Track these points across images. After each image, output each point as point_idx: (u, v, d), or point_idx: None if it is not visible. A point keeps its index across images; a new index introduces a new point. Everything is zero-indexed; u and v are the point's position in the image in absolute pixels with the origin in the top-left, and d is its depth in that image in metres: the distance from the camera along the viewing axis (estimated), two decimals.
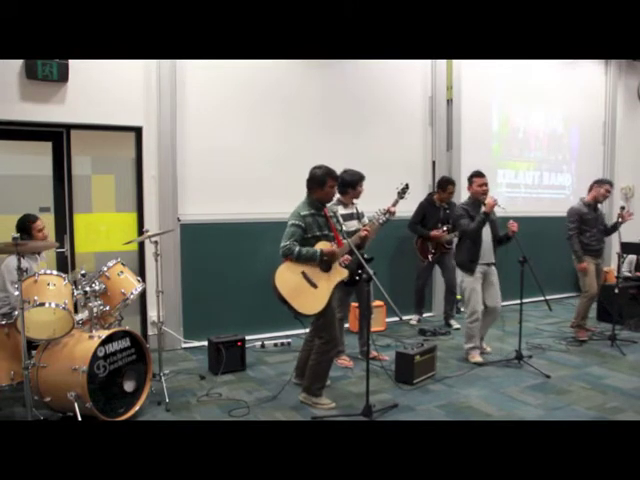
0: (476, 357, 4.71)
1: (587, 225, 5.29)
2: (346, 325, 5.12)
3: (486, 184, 4.69)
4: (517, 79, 7.25)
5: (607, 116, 8.27)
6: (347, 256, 3.70)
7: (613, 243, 7.12)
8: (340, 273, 3.67)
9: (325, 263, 3.59)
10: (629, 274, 7.16)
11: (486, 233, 4.64)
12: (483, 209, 4.53)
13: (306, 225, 3.58)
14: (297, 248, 3.49)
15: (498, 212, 4.80)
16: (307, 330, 3.94)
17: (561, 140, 7.91)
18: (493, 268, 4.75)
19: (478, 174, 4.75)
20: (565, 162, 8.02)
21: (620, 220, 5.26)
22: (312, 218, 3.64)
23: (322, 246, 3.61)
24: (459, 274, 4.85)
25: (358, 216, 4.57)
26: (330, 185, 3.67)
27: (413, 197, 6.28)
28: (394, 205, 4.18)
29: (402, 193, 4.22)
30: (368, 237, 3.92)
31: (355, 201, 4.62)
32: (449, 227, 5.83)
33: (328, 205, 3.86)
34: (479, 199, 4.64)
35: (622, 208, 5.39)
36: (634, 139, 8.58)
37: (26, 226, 3.78)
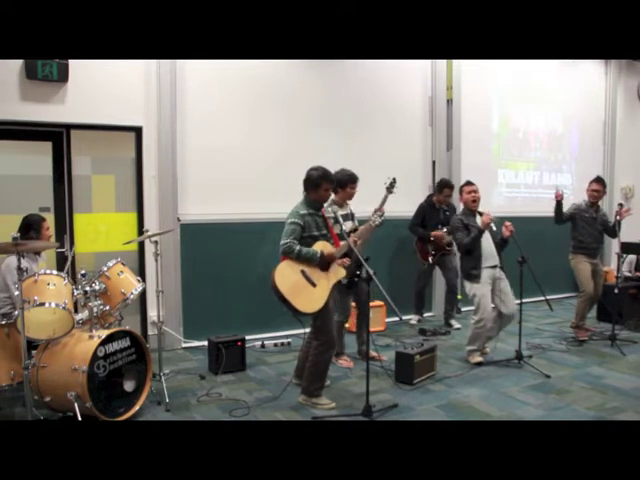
0: (476, 358, 4.68)
1: (584, 221, 5.36)
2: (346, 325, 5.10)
3: (475, 191, 4.72)
4: (517, 79, 7.25)
5: (607, 116, 8.27)
6: (345, 259, 3.68)
7: (613, 243, 7.12)
8: (338, 273, 3.68)
9: (324, 263, 3.59)
10: (629, 274, 7.17)
11: (486, 237, 4.61)
12: (479, 223, 4.58)
13: (305, 224, 3.58)
14: (297, 247, 3.49)
15: (494, 213, 4.84)
16: (307, 330, 3.94)
17: (561, 140, 7.91)
18: (500, 271, 4.65)
19: (466, 183, 4.82)
20: (565, 162, 8.02)
21: (618, 218, 5.28)
22: (311, 218, 3.64)
23: (321, 246, 3.61)
24: (466, 283, 4.71)
25: (352, 217, 4.56)
26: (325, 188, 3.67)
27: (413, 197, 6.35)
28: (384, 201, 4.15)
29: (390, 187, 4.16)
30: (357, 243, 3.91)
31: (349, 202, 4.59)
32: (449, 229, 5.82)
33: (326, 206, 3.85)
34: (470, 207, 4.71)
35: (620, 205, 5.41)
36: (634, 139, 8.58)
37: (37, 224, 3.79)
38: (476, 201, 4.71)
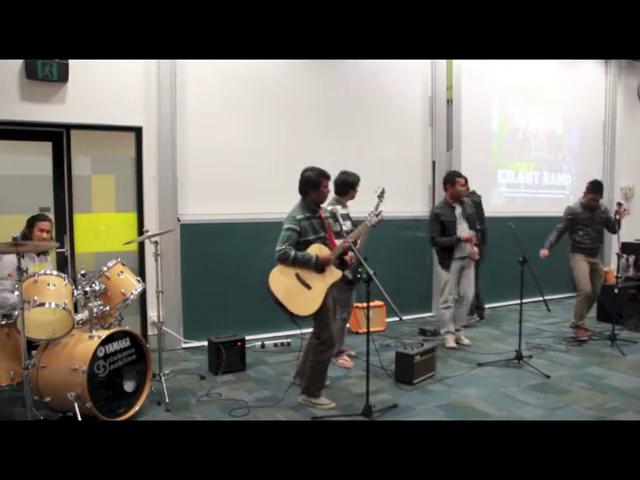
0: (450, 342, 5.17)
1: (581, 224, 5.40)
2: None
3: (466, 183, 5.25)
4: (517, 79, 7.25)
5: (607, 116, 8.27)
6: (350, 254, 3.70)
7: (613, 243, 7.11)
8: (334, 274, 3.67)
9: (319, 267, 3.60)
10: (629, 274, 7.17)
11: (462, 229, 5.04)
12: (458, 213, 5.07)
13: (301, 229, 3.57)
14: (293, 253, 3.49)
15: (494, 213, 4.90)
16: (305, 331, 3.94)
17: (561, 140, 7.91)
18: (469, 261, 5.13)
19: (459, 175, 5.15)
20: (565, 162, 8.02)
21: (617, 217, 5.32)
22: (307, 222, 3.62)
23: (317, 249, 3.61)
24: (439, 270, 5.23)
25: (350, 218, 4.57)
26: (324, 185, 3.67)
27: (413, 197, 6.36)
28: (377, 208, 4.21)
29: (381, 196, 4.26)
30: (356, 244, 3.91)
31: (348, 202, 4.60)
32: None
33: (326, 205, 3.85)
34: (458, 198, 5.10)
35: (619, 204, 5.48)
36: (634, 139, 8.57)
37: (29, 222, 3.80)
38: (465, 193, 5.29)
